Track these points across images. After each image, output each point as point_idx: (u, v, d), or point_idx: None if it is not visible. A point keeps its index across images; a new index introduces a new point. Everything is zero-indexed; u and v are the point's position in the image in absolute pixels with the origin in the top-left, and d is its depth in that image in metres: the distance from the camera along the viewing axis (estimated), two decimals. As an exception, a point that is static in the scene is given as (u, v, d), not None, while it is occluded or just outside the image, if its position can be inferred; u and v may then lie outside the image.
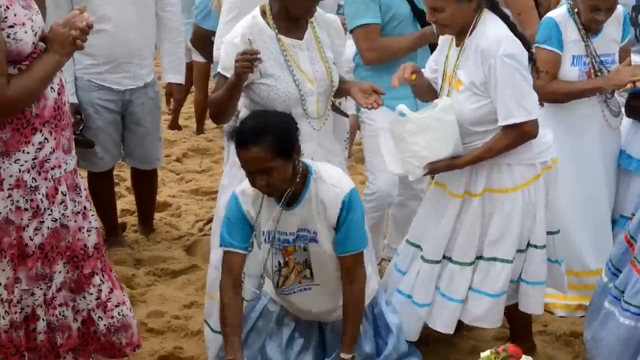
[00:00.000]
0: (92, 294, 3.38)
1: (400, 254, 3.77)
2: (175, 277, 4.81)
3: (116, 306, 3.46)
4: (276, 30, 3.47)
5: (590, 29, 4.05)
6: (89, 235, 3.36)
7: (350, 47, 4.42)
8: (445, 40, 3.60)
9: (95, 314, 3.40)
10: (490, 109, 3.41)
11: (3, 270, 3.15)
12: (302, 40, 3.50)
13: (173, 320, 4.24)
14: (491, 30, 3.40)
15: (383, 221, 4.61)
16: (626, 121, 4.27)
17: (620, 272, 3.58)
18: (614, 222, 4.28)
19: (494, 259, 3.53)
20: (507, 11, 3.74)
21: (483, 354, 2.82)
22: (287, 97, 3.43)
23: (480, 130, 3.45)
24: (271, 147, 3.04)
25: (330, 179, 3.22)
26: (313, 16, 3.51)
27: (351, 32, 4.25)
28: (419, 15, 4.19)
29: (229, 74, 3.40)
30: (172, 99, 5.25)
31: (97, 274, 3.39)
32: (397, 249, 4.69)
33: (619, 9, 4.20)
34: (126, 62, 4.76)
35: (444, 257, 3.60)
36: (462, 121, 3.41)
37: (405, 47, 4.23)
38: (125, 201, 5.91)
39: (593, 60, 4.06)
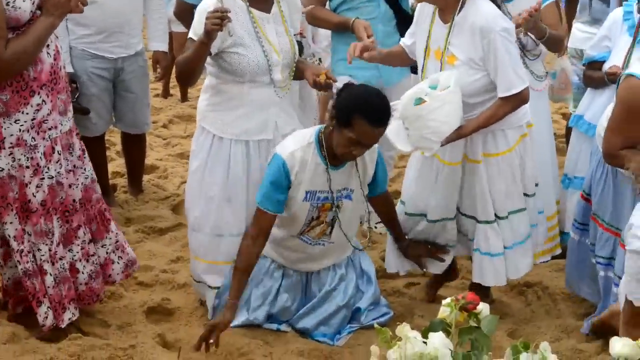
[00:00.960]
0: (77, 245, 3.54)
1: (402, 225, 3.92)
2: (162, 234, 4.95)
3: (92, 255, 3.63)
4: (247, 3, 3.58)
5: None
6: (76, 190, 3.51)
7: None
8: (423, 16, 3.66)
9: (81, 264, 3.57)
10: (486, 81, 3.54)
11: (11, 222, 3.32)
12: (269, 13, 3.63)
13: (161, 274, 4.36)
14: (483, 7, 3.48)
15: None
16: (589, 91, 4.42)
17: (586, 226, 3.84)
18: (570, 181, 4.46)
19: (511, 213, 3.74)
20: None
21: (444, 301, 3.02)
22: (257, 66, 3.55)
23: (477, 101, 3.56)
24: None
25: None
26: None
27: None
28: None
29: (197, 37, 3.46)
30: (158, 67, 5.35)
31: (81, 227, 3.56)
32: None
33: None
34: (118, 32, 4.84)
35: (463, 214, 3.81)
36: (463, 94, 3.49)
37: (330, 23, 4.46)
38: (116, 164, 6.03)
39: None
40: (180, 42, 7.87)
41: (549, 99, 4.68)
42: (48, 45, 3.30)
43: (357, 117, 3.31)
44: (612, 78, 4.00)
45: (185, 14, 4.99)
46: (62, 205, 3.46)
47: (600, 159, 3.64)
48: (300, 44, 4.05)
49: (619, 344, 2.22)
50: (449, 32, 3.51)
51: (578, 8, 5.48)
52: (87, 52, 4.84)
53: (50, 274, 3.43)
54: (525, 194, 3.79)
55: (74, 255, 3.56)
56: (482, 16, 3.46)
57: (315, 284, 3.81)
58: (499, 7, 3.58)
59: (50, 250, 3.42)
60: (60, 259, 3.47)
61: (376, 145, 3.58)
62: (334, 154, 3.48)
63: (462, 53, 3.51)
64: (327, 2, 4.52)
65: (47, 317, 3.43)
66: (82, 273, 3.60)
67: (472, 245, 3.82)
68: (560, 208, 4.51)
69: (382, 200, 3.82)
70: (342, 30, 4.41)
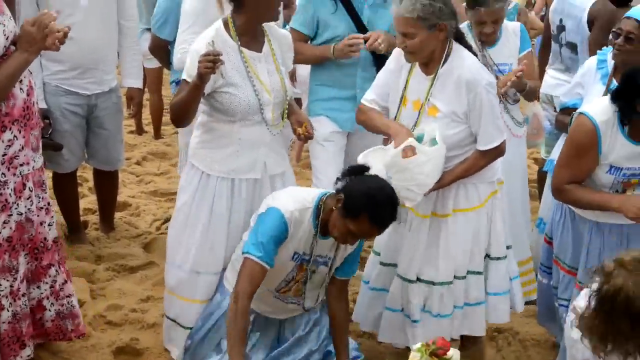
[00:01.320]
0: (47, 283, 3.51)
1: (372, 274, 3.87)
2: (133, 272, 4.90)
3: (67, 296, 3.60)
4: (239, 43, 3.59)
5: (484, 41, 4.35)
6: (50, 230, 3.48)
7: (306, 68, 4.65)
8: (399, 66, 3.63)
9: (48, 301, 3.53)
10: (466, 134, 3.56)
11: None
12: (260, 52, 3.64)
13: (130, 313, 4.32)
14: (468, 61, 3.52)
15: None
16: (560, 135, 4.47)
17: (551, 269, 3.87)
18: (544, 225, 4.36)
19: (470, 273, 3.71)
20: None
21: (415, 346, 2.97)
22: (248, 106, 3.56)
23: (455, 154, 3.57)
24: None
25: None
26: (276, 20, 3.68)
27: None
28: (363, 31, 4.36)
29: (191, 79, 3.47)
30: (132, 103, 5.34)
31: (53, 266, 3.52)
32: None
33: (516, 24, 4.50)
34: (93, 68, 4.83)
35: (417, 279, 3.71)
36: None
37: (311, 56, 4.43)
38: (88, 200, 5.97)
39: (490, 68, 4.26)
40: (152, 78, 7.91)
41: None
42: (21, 81, 3.29)
43: (364, 215, 3.27)
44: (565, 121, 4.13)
45: (159, 49, 5.00)
46: (31, 242, 3.43)
47: (559, 202, 3.68)
48: None
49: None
50: (432, 84, 3.52)
51: (551, 55, 5.57)
52: (60, 88, 4.82)
53: (8, 310, 3.38)
54: (488, 256, 3.76)
55: (42, 293, 3.52)
56: (468, 69, 3.48)
57: (289, 328, 3.77)
58: (476, 55, 3.65)
59: (12, 286, 3.37)
60: (23, 295, 3.42)
61: None
62: (326, 226, 3.44)
63: (445, 106, 3.52)
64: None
65: None
66: (49, 310, 3.56)
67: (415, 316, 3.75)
68: (535, 253, 4.52)
69: (339, 288, 3.67)
70: (323, 61, 4.43)
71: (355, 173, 3.40)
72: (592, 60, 4.24)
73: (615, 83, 4.10)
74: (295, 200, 3.45)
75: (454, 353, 2.73)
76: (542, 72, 5.84)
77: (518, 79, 4.15)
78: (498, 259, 3.77)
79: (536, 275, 4.39)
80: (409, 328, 3.73)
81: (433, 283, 3.69)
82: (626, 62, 3.86)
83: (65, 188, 5.12)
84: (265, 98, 3.62)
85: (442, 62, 3.51)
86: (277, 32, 3.77)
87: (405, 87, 3.60)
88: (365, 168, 3.42)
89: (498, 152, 3.60)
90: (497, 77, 4.20)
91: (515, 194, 4.44)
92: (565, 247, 3.72)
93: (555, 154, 4.43)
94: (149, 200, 6.29)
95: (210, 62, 3.32)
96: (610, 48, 4.15)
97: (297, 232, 3.44)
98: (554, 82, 5.41)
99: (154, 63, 7.78)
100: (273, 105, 3.65)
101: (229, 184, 3.68)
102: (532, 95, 4.50)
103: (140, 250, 5.22)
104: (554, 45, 5.49)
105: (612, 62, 4.09)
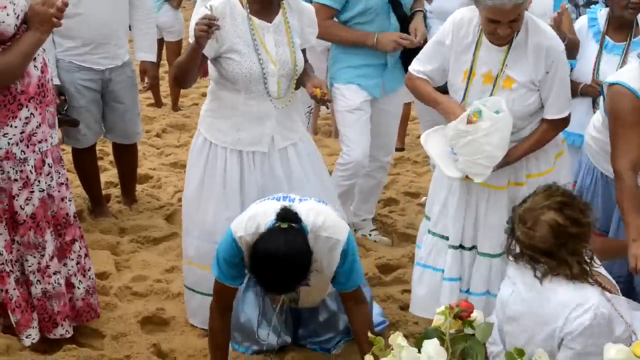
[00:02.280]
0: (73, 259, 3.54)
1: (448, 259, 3.67)
2: (157, 244, 4.94)
3: (88, 270, 3.65)
4: (248, 10, 3.56)
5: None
6: (70, 205, 3.52)
7: None
8: (458, 40, 3.47)
9: (77, 278, 3.57)
10: (538, 103, 3.47)
11: (1, 234, 3.32)
12: (270, 23, 3.60)
13: (155, 283, 4.36)
14: (544, 26, 3.42)
15: (352, 189, 4.79)
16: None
17: None
18: None
19: None
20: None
21: (439, 309, 3.01)
22: (250, 74, 3.53)
23: (524, 125, 3.49)
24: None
25: (326, 230, 3.17)
26: None
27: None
28: (394, 5, 4.38)
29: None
30: (146, 77, 5.34)
31: (77, 241, 3.56)
32: (361, 216, 4.96)
33: None
34: (104, 43, 4.84)
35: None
36: (514, 118, 3.39)
37: (345, 39, 4.41)
38: (109, 174, 6.02)
39: None
40: (171, 51, 7.94)
41: None
42: (35, 59, 3.30)
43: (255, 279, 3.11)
44: (591, 91, 4.09)
45: None
46: (54, 218, 3.46)
47: (590, 167, 3.65)
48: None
49: (612, 350, 2.23)
50: (507, 55, 3.42)
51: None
52: (74, 64, 4.84)
53: (36, 286, 3.42)
54: None
55: (69, 270, 3.55)
56: (547, 36, 3.40)
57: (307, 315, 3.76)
58: None
59: (39, 263, 3.41)
60: (54, 273, 3.46)
61: (336, 229, 3.20)
62: None
63: (521, 75, 3.42)
64: (335, 16, 4.48)
65: (34, 333, 3.45)
66: (78, 288, 3.60)
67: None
68: None
69: (349, 299, 3.32)
70: (361, 45, 4.42)
71: (285, 219, 3.06)
72: (583, 19, 4.22)
73: (608, 40, 4.08)
74: (249, 225, 3.16)
75: (477, 315, 2.72)
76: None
77: (553, 25, 3.87)
78: None
79: None
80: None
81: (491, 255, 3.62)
82: None
83: (85, 163, 5.16)
84: (270, 69, 3.58)
85: (517, 31, 3.39)
86: (299, 5, 3.72)
87: (473, 61, 3.46)
88: (294, 218, 3.08)
89: (566, 122, 3.53)
90: None
91: None
92: (595, 211, 3.68)
93: None
94: (169, 172, 6.33)
95: (205, 26, 3.31)
96: (599, 6, 4.13)
97: None
98: None
99: (172, 36, 7.83)
100: (279, 77, 3.62)
101: (238, 155, 3.68)
102: (573, 50, 4.23)
103: (162, 222, 5.26)
104: (570, 5, 5.44)
105: (604, 19, 4.07)
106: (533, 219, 2.79)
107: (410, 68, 3.66)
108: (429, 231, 3.75)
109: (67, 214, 3.50)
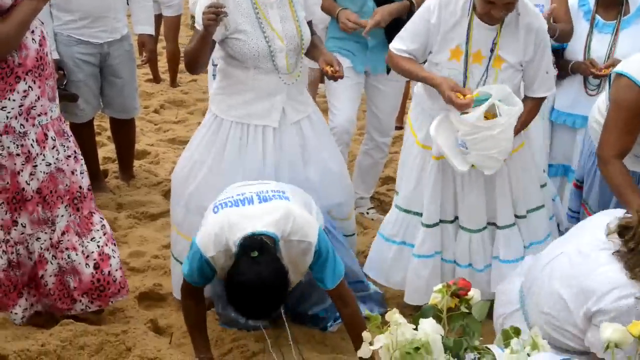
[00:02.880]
0: (98, 230, 3.52)
1: (420, 236, 3.73)
2: (154, 219, 4.96)
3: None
4: None
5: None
6: (82, 178, 3.49)
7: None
8: (446, 18, 3.47)
9: (109, 248, 3.54)
10: (519, 83, 3.53)
11: None
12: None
13: (152, 259, 4.39)
14: (532, 7, 3.45)
15: (344, 156, 4.65)
16: None
17: (578, 214, 3.87)
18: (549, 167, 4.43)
19: (530, 211, 3.72)
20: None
21: (436, 287, 3.02)
22: (257, 53, 3.53)
23: None
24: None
25: (295, 234, 3.15)
26: None
27: None
28: None
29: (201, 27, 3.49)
30: (144, 50, 5.35)
31: (94, 213, 3.54)
32: (359, 194, 4.96)
33: None
34: (103, 16, 4.83)
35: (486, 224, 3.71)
36: None
37: (323, 7, 4.23)
38: (107, 149, 6.02)
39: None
40: (169, 26, 7.89)
41: None
42: (33, 31, 3.28)
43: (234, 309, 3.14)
44: (583, 68, 4.12)
45: None
46: (68, 192, 3.43)
47: (593, 150, 3.65)
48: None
49: (609, 330, 2.23)
50: (498, 34, 3.44)
51: None
52: (72, 38, 4.83)
53: (52, 262, 3.41)
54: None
55: (99, 242, 3.52)
56: (536, 16, 3.44)
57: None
58: None
59: (51, 238, 3.39)
60: (67, 249, 3.42)
61: (307, 230, 3.18)
62: None
63: (511, 55, 3.45)
64: None
65: (20, 311, 3.46)
66: (114, 257, 3.56)
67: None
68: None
69: (335, 296, 3.28)
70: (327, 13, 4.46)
71: (252, 248, 3.00)
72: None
73: (599, 18, 4.07)
74: (218, 240, 3.13)
75: (474, 293, 2.72)
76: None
77: (553, 33, 3.95)
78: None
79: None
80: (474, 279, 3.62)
81: (497, 226, 3.71)
82: None
83: (82, 138, 5.05)
84: (278, 45, 3.58)
85: None
86: None
87: (468, 41, 3.47)
88: (260, 247, 3.01)
89: (544, 98, 3.65)
90: None
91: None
92: (594, 195, 3.69)
93: (556, 102, 4.38)
94: (167, 148, 6.34)
95: (213, 14, 3.31)
96: None
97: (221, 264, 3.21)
98: None
99: (171, 11, 7.79)
100: (287, 52, 3.61)
101: (242, 129, 3.67)
102: (565, 38, 4.27)
103: (160, 198, 5.28)
104: None
105: None
106: None
107: (391, 46, 3.66)
108: (397, 207, 3.81)
109: (80, 187, 3.47)
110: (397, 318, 2.26)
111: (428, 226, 3.72)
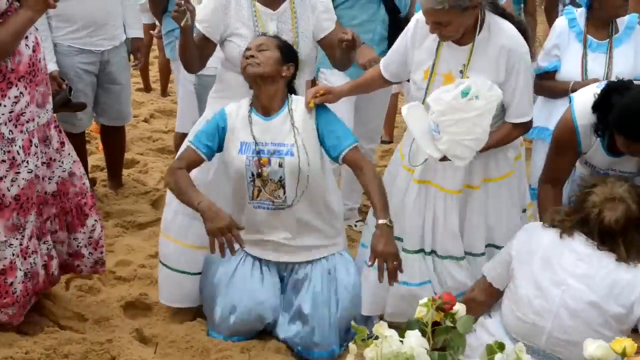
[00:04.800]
0: (48, 235, 3.54)
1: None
2: (141, 229, 4.95)
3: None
4: None
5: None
6: (49, 183, 3.49)
7: None
8: (420, 38, 3.44)
9: (53, 260, 3.57)
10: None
11: None
12: (274, 11, 3.61)
13: (139, 269, 4.36)
14: (507, 27, 3.33)
15: (336, 175, 4.68)
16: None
17: None
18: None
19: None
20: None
21: (421, 301, 3.00)
22: None
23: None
24: (279, 41, 3.47)
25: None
26: None
27: None
28: None
29: (201, 26, 3.53)
30: (139, 54, 5.39)
31: (50, 218, 3.54)
32: (348, 205, 4.96)
33: None
34: (104, 24, 4.87)
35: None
36: None
37: None
38: (96, 158, 6.02)
39: None
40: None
41: None
42: (27, 37, 3.28)
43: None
44: None
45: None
46: (38, 198, 3.44)
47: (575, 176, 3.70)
48: None
49: (592, 346, 2.25)
50: (470, 55, 3.35)
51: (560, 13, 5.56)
52: (73, 48, 4.85)
53: (20, 269, 3.39)
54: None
55: (49, 246, 3.55)
56: (509, 37, 3.32)
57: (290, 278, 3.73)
58: (512, 22, 3.42)
59: (21, 244, 3.38)
60: (33, 252, 3.44)
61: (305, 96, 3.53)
62: (257, 102, 3.52)
63: (482, 77, 3.34)
64: None
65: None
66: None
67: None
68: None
69: (351, 162, 3.46)
70: None
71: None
72: (562, 21, 4.23)
73: (591, 39, 4.10)
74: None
75: (459, 308, 2.74)
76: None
77: None
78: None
79: None
80: None
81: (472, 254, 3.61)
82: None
83: (75, 147, 5.10)
84: None
85: (478, 32, 3.34)
86: None
87: (435, 60, 3.41)
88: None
89: (527, 127, 3.51)
90: None
91: None
92: None
93: (542, 120, 4.31)
94: (156, 157, 6.35)
95: (177, 7, 3.34)
96: (572, 8, 4.18)
97: (237, 119, 3.51)
98: None
99: (147, 19, 7.79)
100: None
101: None
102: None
103: (148, 207, 5.27)
104: (560, 5, 5.49)
105: (583, 18, 4.12)
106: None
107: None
108: (406, 250, 3.62)
109: (45, 193, 3.49)
110: (384, 330, 2.27)
111: (412, 252, 3.61)
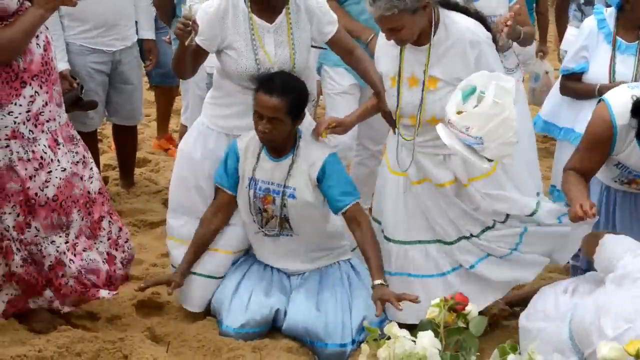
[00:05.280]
0: (104, 236, 3.60)
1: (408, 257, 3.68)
2: (153, 227, 4.97)
3: (125, 242, 3.75)
4: (249, 9, 3.56)
5: None
6: (91, 183, 3.53)
7: None
8: (386, 47, 3.49)
9: (115, 251, 3.67)
10: None
11: (10, 213, 3.31)
12: (271, 24, 3.59)
13: (151, 267, 4.39)
14: (461, 20, 3.37)
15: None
16: (553, 96, 4.45)
17: None
18: (559, 192, 4.24)
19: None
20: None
21: (433, 301, 2.87)
22: (244, 72, 3.56)
23: None
24: (288, 103, 3.46)
25: (315, 141, 3.64)
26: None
27: None
28: None
29: (198, 39, 3.44)
30: (151, 56, 5.41)
31: (104, 217, 3.60)
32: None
33: None
34: (116, 24, 4.90)
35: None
36: (441, 117, 3.32)
37: (345, 27, 4.04)
38: (108, 157, 6.05)
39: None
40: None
41: (525, 94, 4.60)
42: (37, 36, 3.30)
43: (258, 91, 3.49)
44: None
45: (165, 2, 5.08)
46: (82, 197, 3.48)
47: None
48: None
49: (605, 348, 2.24)
50: (429, 54, 3.38)
51: (572, 13, 5.54)
52: (85, 47, 4.87)
53: (70, 266, 3.45)
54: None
55: (105, 246, 3.61)
56: (466, 29, 3.36)
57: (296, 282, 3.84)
58: (468, 13, 3.46)
59: (67, 242, 3.44)
60: (84, 250, 3.51)
61: (324, 146, 3.67)
62: (274, 149, 3.64)
63: (445, 73, 3.39)
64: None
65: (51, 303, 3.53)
66: (115, 263, 3.69)
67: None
68: None
69: (349, 219, 3.60)
70: (355, 38, 4.21)
71: None
72: (591, 22, 4.19)
73: (621, 40, 4.06)
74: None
75: (472, 308, 2.73)
76: (560, 33, 5.84)
77: (510, 28, 3.86)
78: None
79: None
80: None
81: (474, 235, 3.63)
82: None
83: (87, 146, 5.16)
84: (267, 68, 3.58)
85: (433, 31, 3.37)
86: (309, 6, 3.66)
87: (400, 66, 3.46)
88: None
89: None
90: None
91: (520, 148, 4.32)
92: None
93: (569, 121, 4.35)
94: (168, 156, 6.34)
95: (182, 25, 3.31)
96: (602, 7, 4.13)
97: (247, 154, 3.66)
98: (573, 39, 5.37)
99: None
100: None
101: (227, 140, 3.76)
102: (528, 41, 4.34)
103: (160, 206, 5.28)
104: (573, 4, 5.46)
105: (612, 19, 4.07)
106: None
107: None
108: (386, 238, 3.71)
109: (89, 192, 3.51)
110: (395, 331, 2.28)
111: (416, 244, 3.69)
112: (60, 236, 3.41)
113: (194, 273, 3.83)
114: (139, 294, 4.02)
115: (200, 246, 3.76)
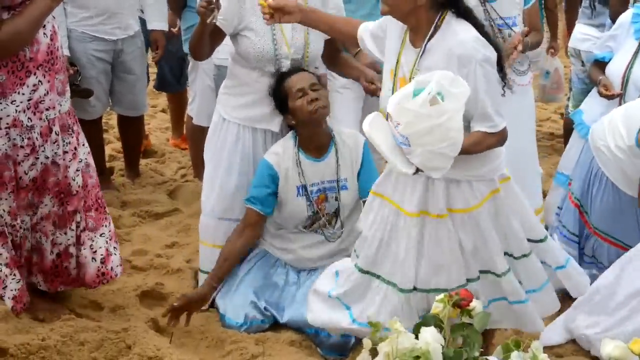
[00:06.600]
0: (72, 229, 3.54)
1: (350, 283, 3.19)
2: (158, 218, 4.97)
3: (91, 240, 3.62)
4: None
5: None
6: (77, 176, 3.51)
7: None
8: (393, 34, 3.13)
9: (75, 248, 3.58)
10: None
11: (6, 199, 3.33)
12: None
13: (155, 258, 4.38)
14: (461, 32, 2.96)
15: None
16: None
17: (577, 236, 3.84)
18: (566, 178, 4.23)
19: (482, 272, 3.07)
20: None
21: (438, 297, 2.78)
22: (261, 54, 3.58)
23: None
24: (313, 73, 3.63)
25: (346, 129, 3.74)
26: None
27: None
28: None
29: (218, 19, 3.46)
30: (157, 47, 5.37)
31: (79, 212, 3.56)
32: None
33: None
34: (118, 13, 4.89)
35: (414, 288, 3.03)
36: None
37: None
38: (113, 147, 6.05)
39: (492, 23, 3.88)
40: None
41: (535, 96, 4.57)
42: (44, 26, 3.29)
43: (283, 83, 3.56)
44: (606, 96, 4.03)
45: None
46: (57, 185, 3.46)
47: (597, 171, 3.67)
48: None
49: (609, 346, 2.24)
50: (417, 58, 3.00)
51: (581, 10, 5.52)
52: (87, 35, 4.87)
53: (29, 241, 3.48)
54: (512, 256, 3.12)
55: (68, 239, 3.56)
56: (460, 43, 2.93)
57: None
58: (481, 29, 3.03)
59: (31, 220, 3.45)
60: (40, 231, 3.49)
61: (358, 140, 3.72)
62: (309, 145, 3.64)
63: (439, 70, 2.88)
64: None
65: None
66: (77, 257, 3.61)
67: None
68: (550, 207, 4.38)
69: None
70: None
71: None
72: (628, 14, 4.15)
73: None
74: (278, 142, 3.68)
75: (477, 304, 2.70)
76: (569, 28, 5.82)
77: (517, 53, 3.82)
78: (523, 256, 3.14)
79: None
80: None
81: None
82: None
83: (90, 134, 5.03)
84: (284, 51, 3.62)
85: (430, 34, 2.99)
86: None
87: (397, 62, 3.08)
88: None
89: (500, 136, 3.00)
90: (500, 30, 3.94)
91: (523, 142, 4.16)
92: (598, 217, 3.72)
93: (586, 105, 4.37)
94: (174, 147, 6.34)
95: (205, 2, 3.34)
96: None
97: (288, 163, 3.63)
98: (582, 37, 5.36)
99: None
100: (291, 60, 3.66)
101: (250, 132, 3.75)
102: (535, 47, 4.28)
103: (165, 197, 5.28)
104: (585, 1, 5.44)
105: None
106: None
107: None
108: (357, 267, 3.17)
109: (69, 184, 3.49)
110: (398, 326, 2.27)
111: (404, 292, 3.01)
112: (28, 214, 3.42)
113: (202, 271, 3.86)
114: (143, 285, 4.05)
115: (227, 262, 3.73)
